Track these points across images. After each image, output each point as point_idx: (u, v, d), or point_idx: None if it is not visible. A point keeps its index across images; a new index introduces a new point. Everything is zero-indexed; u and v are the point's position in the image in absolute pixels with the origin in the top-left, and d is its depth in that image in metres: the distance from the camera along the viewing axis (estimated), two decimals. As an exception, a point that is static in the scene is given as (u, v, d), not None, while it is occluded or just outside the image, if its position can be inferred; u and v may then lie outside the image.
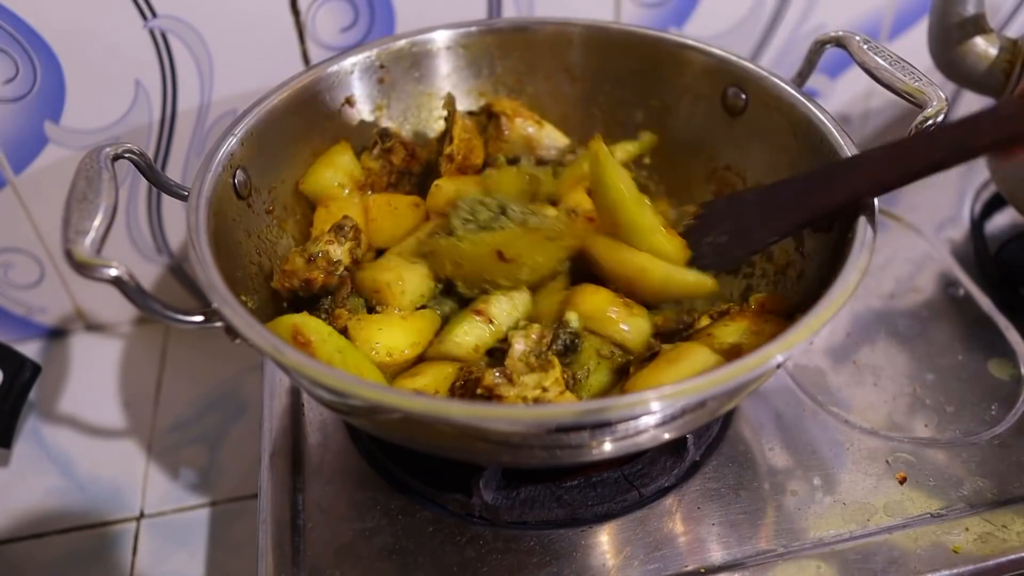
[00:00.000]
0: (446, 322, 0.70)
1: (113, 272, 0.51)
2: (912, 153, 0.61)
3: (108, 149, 0.60)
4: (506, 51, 0.84)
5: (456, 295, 0.71)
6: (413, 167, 0.81)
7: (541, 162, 0.82)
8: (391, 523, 0.67)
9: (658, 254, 0.68)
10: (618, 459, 0.69)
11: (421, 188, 0.80)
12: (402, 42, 0.81)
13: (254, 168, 0.70)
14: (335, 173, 0.77)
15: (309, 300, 0.70)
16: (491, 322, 0.67)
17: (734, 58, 0.76)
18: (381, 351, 0.66)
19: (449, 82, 0.84)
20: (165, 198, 0.91)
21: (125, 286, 0.52)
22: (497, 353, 0.68)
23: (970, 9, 0.81)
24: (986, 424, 0.74)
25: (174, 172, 0.89)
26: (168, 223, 0.93)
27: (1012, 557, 0.64)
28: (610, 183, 0.68)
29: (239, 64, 0.84)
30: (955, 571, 0.63)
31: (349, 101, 0.80)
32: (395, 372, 0.67)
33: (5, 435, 0.83)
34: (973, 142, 0.58)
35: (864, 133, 1.12)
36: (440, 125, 0.84)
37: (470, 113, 0.84)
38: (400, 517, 0.68)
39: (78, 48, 0.79)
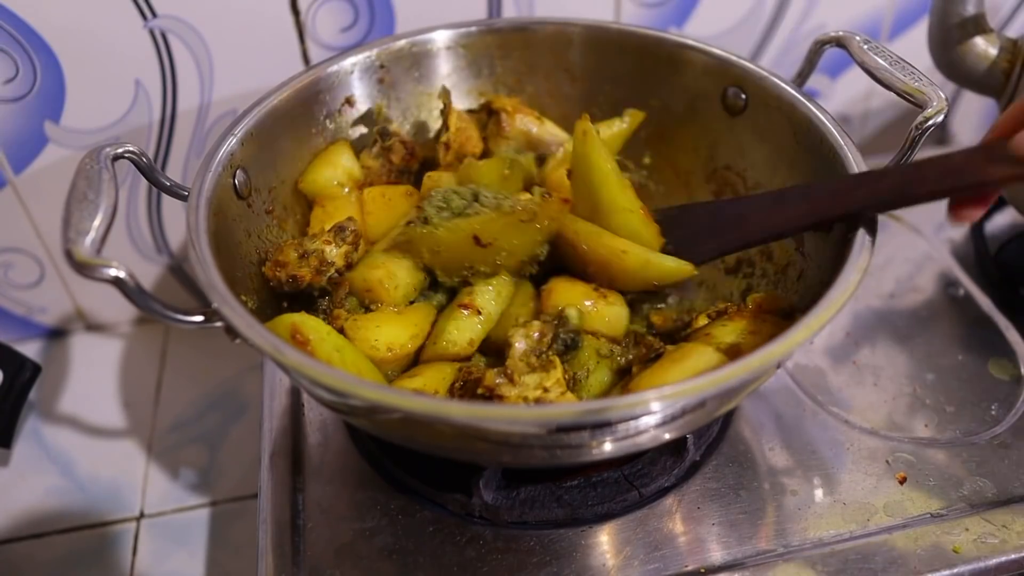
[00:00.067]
0: (440, 311, 0.70)
1: (113, 272, 0.51)
2: (853, 191, 0.62)
3: (108, 149, 0.60)
4: (506, 51, 0.84)
5: (445, 287, 0.72)
6: (412, 166, 0.81)
7: (541, 158, 0.82)
8: (391, 523, 0.67)
9: (635, 237, 0.69)
10: (618, 459, 0.69)
11: (420, 187, 0.80)
12: (402, 42, 0.81)
13: (254, 168, 0.70)
14: (334, 172, 0.78)
15: (307, 301, 0.70)
16: (479, 313, 0.67)
17: (734, 58, 0.76)
18: (381, 347, 0.66)
19: (449, 82, 0.84)
20: (165, 198, 0.91)
21: (125, 286, 0.52)
22: (492, 355, 0.69)
23: (970, 9, 0.81)
24: (986, 424, 0.74)
25: (174, 172, 0.89)
26: (168, 223, 0.93)
27: (1012, 557, 0.64)
28: (593, 161, 0.68)
29: (239, 64, 0.84)
30: (955, 571, 0.63)
31: (349, 101, 0.80)
32: (397, 367, 0.67)
33: (5, 435, 0.83)
34: (915, 189, 0.58)
35: (864, 133, 1.12)
36: (439, 124, 0.84)
37: (470, 111, 0.84)
38: (400, 517, 0.68)
39: (78, 48, 0.79)
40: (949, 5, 0.81)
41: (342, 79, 0.79)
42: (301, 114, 0.76)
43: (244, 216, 0.69)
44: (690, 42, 0.79)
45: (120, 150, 0.62)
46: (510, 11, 0.89)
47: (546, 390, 0.58)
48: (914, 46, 0.97)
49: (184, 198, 0.65)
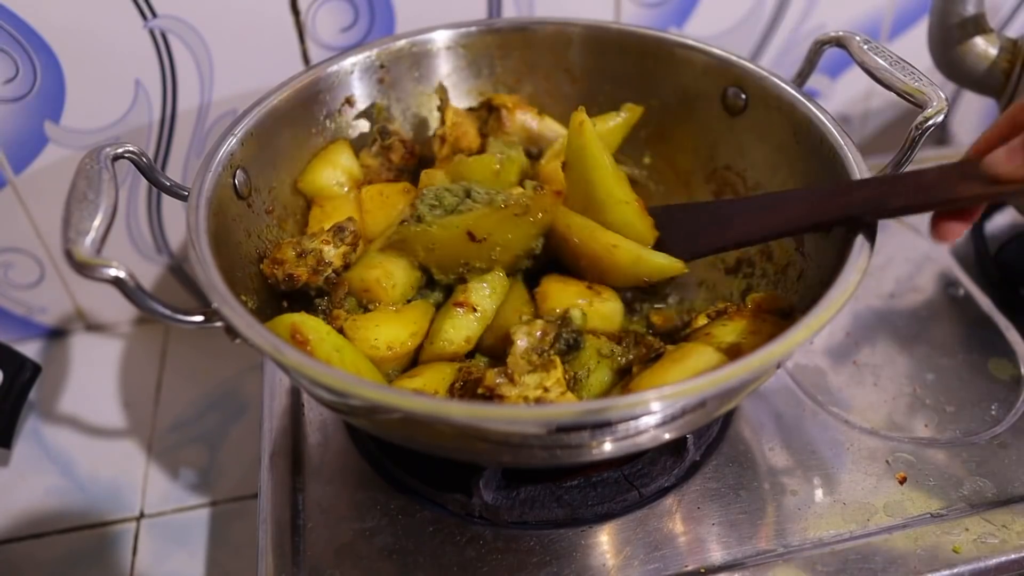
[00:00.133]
0: (438, 309, 0.70)
1: (113, 272, 0.51)
2: (827, 202, 0.62)
3: (108, 149, 0.60)
4: (506, 51, 0.84)
5: (441, 284, 0.72)
6: (411, 165, 0.81)
7: (542, 154, 0.82)
8: (391, 523, 0.67)
9: (628, 228, 0.69)
10: (618, 459, 0.69)
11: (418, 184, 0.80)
12: (402, 42, 0.81)
13: (254, 168, 0.70)
14: (334, 172, 0.78)
15: (307, 300, 0.70)
16: (475, 310, 0.67)
17: (734, 58, 0.76)
18: (381, 346, 0.66)
19: (449, 82, 0.84)
20: (165, 198, 0.91)
21: (125, 286, 0.52)
22: (492, 356, 0.69)
23: (970, 9, 0.81)
24: (986, 424, 0.74)
25: (174, 172, 0.89)
26: (168, 223, 0.93)
27: (1012, 557, 0.64)
28: (589, 152, 0.68)
29: (239, 64, 0.84)
30: (955, 571, 0.63)
31: (349, 101, 0.80)
32: (398, 365, 0.68)
33: (5, 435, 0.83)
34: (888, 203, 0.59)
35: (864, 133, 1.12)
36: (439, 123, 0.84)
37: (470, 109, 0.84)
38: (400, 517, 0.68)
39: (78, 48, 0.79)
40: (949, 5, 0.81)
41: (342, 79, 0.79)
42: (301, 114, 0.76)
43: (244, 216, 0.69)
44: (690, 42, 0.79)
45: (120, 150, 0.62)
46: (510, 11, 0.89)
47: (546, 390, 0.58)
48: (914, 46, 0.97)
49: (184, 198, 0.65)
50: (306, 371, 0.51)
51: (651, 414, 0.52)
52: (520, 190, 0.71)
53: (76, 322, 0.99)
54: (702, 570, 0.64)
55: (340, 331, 0.65)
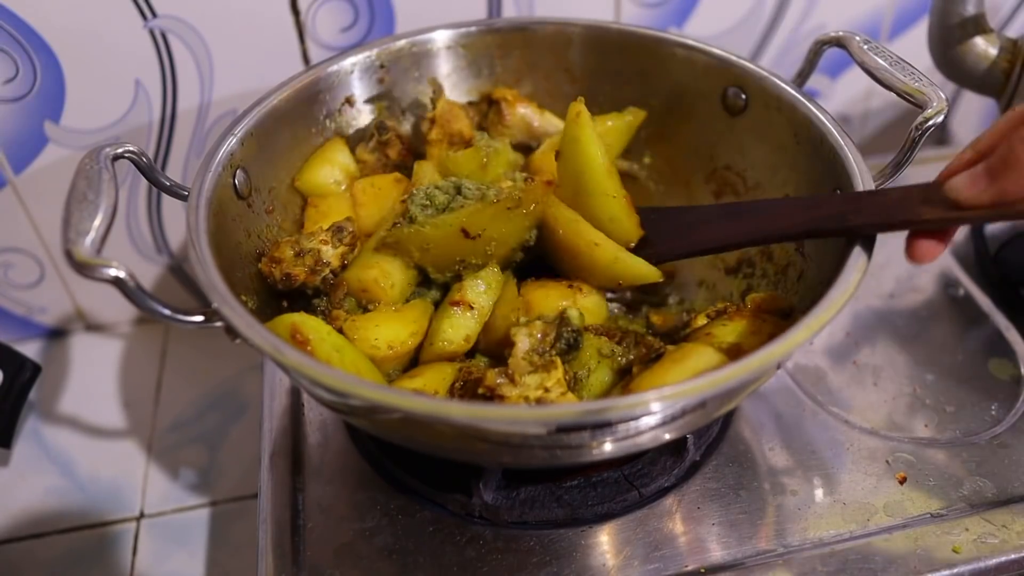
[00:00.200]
0: (437, 306, 0.70)
1: (113, 272, 0.51)
2: (793, 215, 0.63)
3: (108, 149, 0.60)
4: (506, 51, 0.84)
5: (436, 282, 0.72)
6: (408, 161, 0.81)
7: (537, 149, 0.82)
8: (391, 523, 0.67)
9: (615, 223, 0.69)
10: (618, 459, 0.69)
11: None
12: (402, 42, 0.81)
13: (254, 168, 0.70)
14: (331, 170, 0.78)
15: (307, 300, 0.70)
16: (471, 308, 0.67)
17: (734, 58, 0.76)
18: (382, 346, 0.66)
19: (449, 82, 0.84)
20: (165, 198, 0.91)
21: (125, 286, 0.52)
22: (492, 356, 0.69)
23: (970, 9, 0.81)
24: (986, 424, 0.74)
25: (174, 172, 0.89)
26: (168, 223, 0.93)
27: (1012, 557, 0.64)
28: (583, 143, 0.68)
29: (239, 64, 0.84)
30: (955, 571, 0.63)
31: (349, 101, 0.80)
32: (398, 364, 0.68)
33: (5, 435, 0.83)
34: (851, 220, 0.59)
35: (864, 133, 1.12)
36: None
37: (470, 103, 0.84)
38: (400, 517, 0.68)
39: (78, 48, 0.79)
40: (949, 5, 0.81)
41: (342, 79, 0.79)
42: (301, 114, 0.76)
43: (244, 216, 0.69)
44: (690, 42, 0.79)
45: (120, 150, 0.62)
46: (510, 11, 0.89)
47: (547, 390, 0.58)
48: (914, 46, 0.97)
49: (184, 198, 0.65)
50: (306, 371, 0.51)
51: (651, 415, 0.52)
52: (510, 183, 0.71)
53: (76, 322, 0.99)
54: (702, 570, 0.64)
55: (339, 331, 0.65)
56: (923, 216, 0.57)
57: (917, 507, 0.68)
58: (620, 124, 0.80)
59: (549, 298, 0.69)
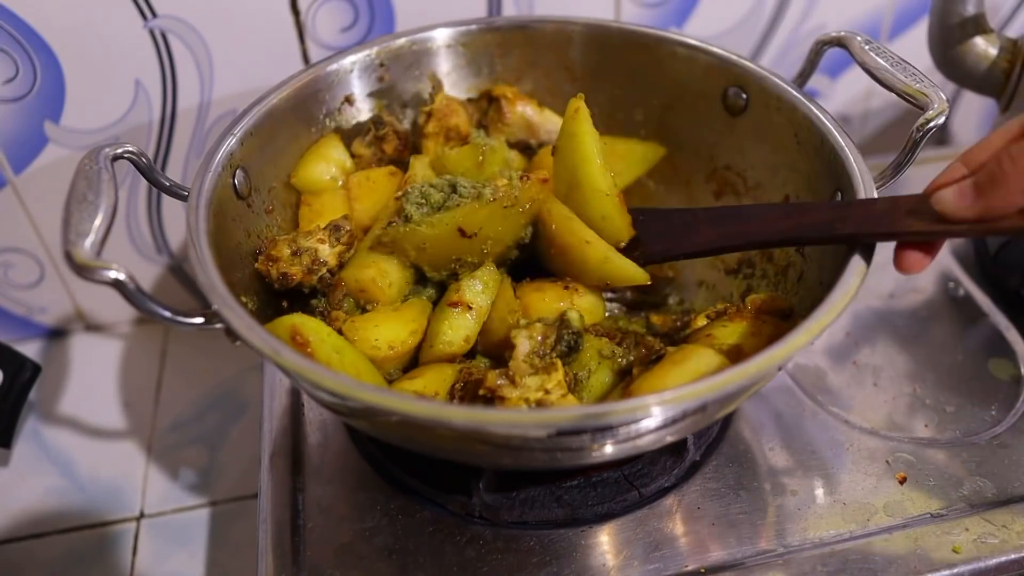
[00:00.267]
0: (435, 305, 0.70)
1: (113, 274, 0.51)
2: (780, 221, 0.64)
3: (108, 149, 0.60)
4: (506, 49, 0.84)
5: (432, 280, 0.71)
6: (405, 157, 0.80)
7: (542, 146, 0.82)
8: (391, 523, 0.67)
9: (607, 221, 0.69)
10: (618, 460, 0.69)
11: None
12: (402, 40, 0.81)
13: (254, 167, 0.70)
14: (327, 166, 0.77)
15: (305, 301, 0.70)
16: (470, 308, 0.67)
17: (734, 58, 0.76)
18: (383, 346, 0.66)
19: (449, 80, 0.84)
20: (165, 198, 0.91)
21: (125, 288, 0.52)
22: (492, 357, 0.69)
23: (970, 9, 0.81)
24: (986, 424, 0.74)
25: (174, 172, 0.89)
26: (168, 223, 0.93)
27: (1012, 557, 0.64)
28: (580, 138, 0.68)
29: (239, 64, 0.84)
30: (955, 571, 0.63)
31: (349, 100, 0.80)
32: (399, 364, 0.67)
33: (5, 435, 0.83)
34: (837, 228, 0.59)
35: (864, 133, 1.12)
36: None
37: (470, 99, 0.84)
38: (400, 517, 0.68)
39: (78, 48, 0.78)
40: (949, 5, 0.81)
41: (342, 78, 0.79)
42: (301, 113, 0.76)
43: (244, 216, 0.69)
44: (691, 41, 0.78)
45: (120, 150, 0.62)
46: (510, 9, 0.89)
47: (547, 392, 0.58)
48: (914, 46, 0.97)
49: (184, 198, 0.65)
50: (306, 374, 0.51)
51: (652, 418, 0.52)
52: (505, 181, 0.71)
53: (76, 322, 0.99)
54: (702, 570, 0.64)
55: (339, 332, 0.65)
56: (909, 228, 0.57)
57: (917, 507, 0.68)
58: (635, 153, 0.81)
59: (546, 300, 0.69)
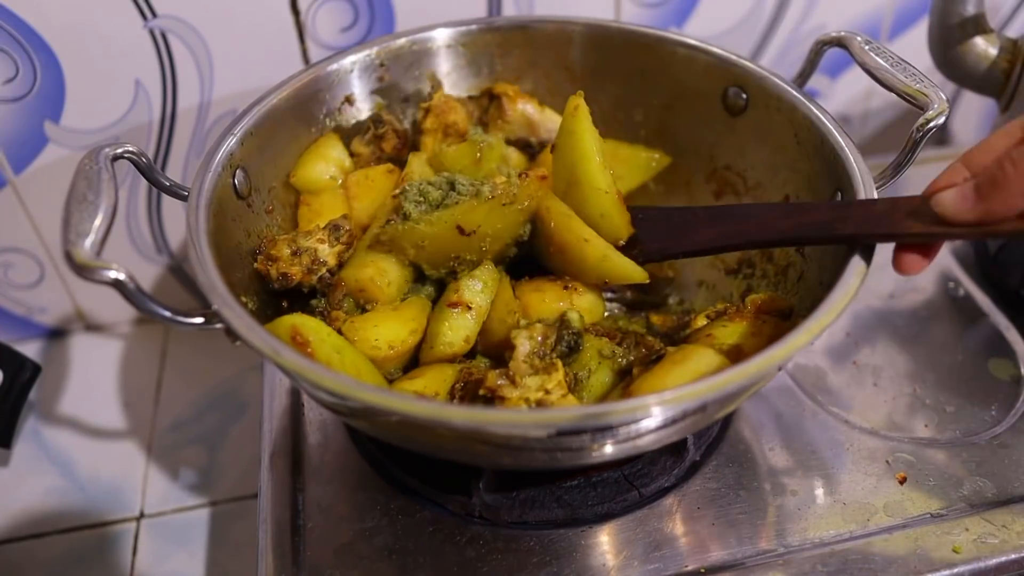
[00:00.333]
0: (434, 304, 0.70)
1: (113, 275, 0.51)
2: (780, 221, 0.63)
3: (108, 149, 0.60)
4: (506, 49, 0.84)
5: (431, 278, 0.71)
6: (404, 155, 0.80)
7: (542, 144, 0.82)
8: (391, 523, 0.67)
9: (606, 219, 0.69)
10: (618, 460, 0.69)
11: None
12: (402, 40, 0.81)
13: (254, 167, 0.70)
14: (326, 166, 0.77)
15: (305, 301, 0.70)
16: (469, 308, 0.67)
17: (734, 58, 0.76)
18: (383, 345, 0.65)
19: (449, 80, 0.84)
20: (165, 198, 0.91)
21: (125, 288, 0.52)
22: (492, 357, 0.69)
23: (970, 9, 0.81)
24: (986, 424, 0.74)
25: (174, 172, 0.89)
26: (168, 223, 0.93)
27: (1012, 557, 0.64)
28: (580, 136, 0.68)
29: (239, 64, 0.84)
30: (955, 571, 0.63)
31: (349, 100, 0.80)
32: (399, 363, 0.67)
33: (5, 435, 0.83)
34: (837, 228, 0.59)
35: (864, 133, 1.12)
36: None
37: (471, 97, 0.84)
38: (400, 517, 0.68)
39: (78, 48, 0.78)
40: (949, 5, 0.81)
41: (342, 77, 0.79)
42: (301, 113, 0.76)
43: (244, 216, 0.69)
44: (691, 41, 0.78)
45: (120, 150, 0.62)
46: (510, 9, 0.89)
47: (548, 392, 0.58)
48: (914, 46, 0.97)
49: (184, 198, 0.65)
50: (306, 374, 0.51)
51: (651, 418, 0.52)
52: (503, 179, 0.71)
53: (76, 322, 0.99)
54: (702, 570, 0.64)
55: (339, 332, 0.65)
56: (908, 229, 0.57)
57: (917, 507, 0.68)
58: (639, 159, 0.81)
59: (545, 300, 0.69)
